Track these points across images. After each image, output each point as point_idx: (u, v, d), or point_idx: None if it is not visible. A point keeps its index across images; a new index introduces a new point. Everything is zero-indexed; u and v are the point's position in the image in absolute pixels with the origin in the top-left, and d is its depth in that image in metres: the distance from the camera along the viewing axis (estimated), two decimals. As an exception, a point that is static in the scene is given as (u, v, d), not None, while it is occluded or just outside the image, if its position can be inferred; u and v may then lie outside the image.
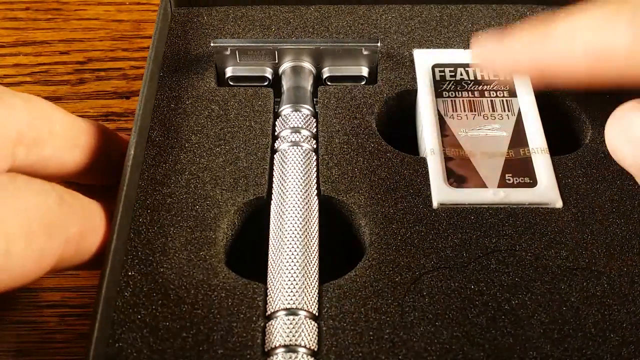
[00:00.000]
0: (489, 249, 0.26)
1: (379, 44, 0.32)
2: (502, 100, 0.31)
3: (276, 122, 0.30)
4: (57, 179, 0.29)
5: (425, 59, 0.32)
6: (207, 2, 0.35)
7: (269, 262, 0.26)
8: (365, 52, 0.32)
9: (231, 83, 0.33)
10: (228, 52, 0.32)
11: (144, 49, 0.38)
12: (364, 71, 0.33)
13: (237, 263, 0.27)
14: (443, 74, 0.32)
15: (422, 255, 0.26)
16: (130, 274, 0.25)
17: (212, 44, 0.32)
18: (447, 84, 0.31)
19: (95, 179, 0.29)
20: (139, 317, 0.24)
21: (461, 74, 0.32)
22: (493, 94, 0.31)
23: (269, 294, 0.25)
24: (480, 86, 0.31)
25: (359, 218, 0.27)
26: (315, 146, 0.29)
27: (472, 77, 0.32)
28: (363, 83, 0.33)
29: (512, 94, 0.31)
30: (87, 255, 0.24)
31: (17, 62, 0.37)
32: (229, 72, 0.33)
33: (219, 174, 0.28)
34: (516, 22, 0.35)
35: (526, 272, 0.25)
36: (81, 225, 0.24)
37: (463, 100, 0.31)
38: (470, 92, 0.31)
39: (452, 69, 0.32)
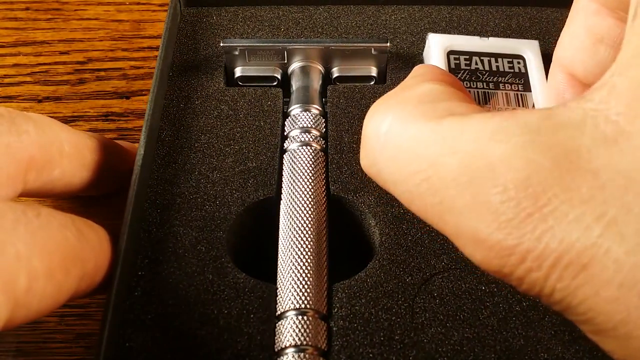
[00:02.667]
0: (499, 250, 0.26)
1: (388, 44, 0.31)
2: (517, 95, 0.30)
3: (285, 122, 0.30)
4: (63, 196, 0.29)
5: (440, 44, 0.31)
6: (217, 2, 0.35)
7: (279, 262, 0.26)
8: (374, 52, 0.32)
9: (240, 83, 0.33)
10: (237, 52, 0.32)
11: (144, 49, 0.38)
12: (373, 71, 0.33)
13: (247, 263, 0.27)
14: (458, 61, 0.31)
15: (432, 256, 0.26)
16: (140, 273, 0.25)
17: (221, 44, 0.31)
18: (461, 73, 0.31)
19: (99, 191, 0.29)
20: (149, 317, 0.24)
21: (476, 63, 0.31)
22: (508, 86, 0.30)
23: (279, 294, 0.25)
24: (495, 77, 0.30)
25: (369, 218, 0.27)
26: (324, 146, 0.29)
27: (487, 67, 0.31)
28: (372, 83, 0.33)
29: (527, 87, 0.30)
30: (97, 287, 0.24)
31: (17, 62, 0.37)
32: (238, 72, 0.33)
33: (229, 174, 0.28)
34: (525, 24, 0.35)
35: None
36: (97, 260, 0.24)
37: (477, 92, 0.30)
38: (485, 84, 0.30)
39: (467, 57, 0.31)
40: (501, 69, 0.31)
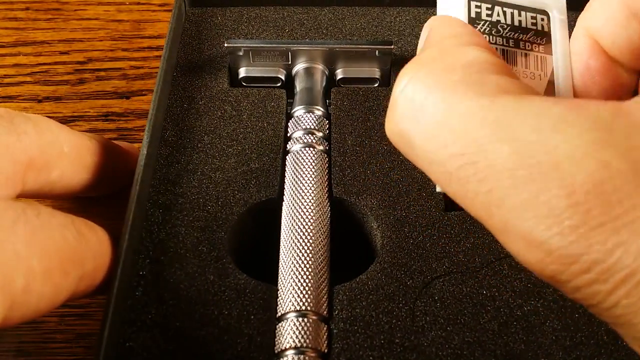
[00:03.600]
0: (501, 254, 0.26)
1: (392, 46, 0.31)
2: (537, 57, 0.27)
3: (289, 124, 0.30)
4: (62, 197, 0.29)
5: None
6: (222, 2, 0.36)
7: (280, 263, 0.26)
8: (378, 54, 0.32)
9: (244, 84, 0.33)
10: (241, 53, 0.32)
11: (143, 49, 0.38)
12: (377, 73, 0.33)
13: (248, 264, 0.27)
14: (479, 10, 0.26)
15: (433, 260, 0.26)
16: (141, 273, 0.25)
17: (225, 44, 0.32)
18: (482, 24, 0.28)
19: (98, 192, 0.29)
20: (150, 317, 0.24)
21: (498, 15, 0.28)
22: (528, 46, 0.27)
23: (279, 295, 0.25)
24: (517, 34, 0.28)
25: (370, 221, 0.27)
26: (327, 148, 0.29)
27: (509, 21, 0.28)
28: (376, 85, 0.33)
29: (548, 50, 0.28)
30: (96, 288, 0.24)
31: (17, 62, 0.37)
32: (242, 72, 0.33)
33: (231, 174, 0.28)
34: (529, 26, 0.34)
35: (538, 278, 0.25)
36: (96, 261, 0.24)
37: (497, 48, 0.27)
38: (505, 40, 0.27)
39: (489, 5, 0.28)
40: (523, 24, 0.27)
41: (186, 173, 0.28)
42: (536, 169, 0.14)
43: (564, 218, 0.13)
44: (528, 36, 0.26)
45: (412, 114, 0.17)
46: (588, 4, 0.23)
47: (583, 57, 0.23)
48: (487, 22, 0.27)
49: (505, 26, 0.26)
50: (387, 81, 0.33)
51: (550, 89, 0.26)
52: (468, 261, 0.26)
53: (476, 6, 0.27)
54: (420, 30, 0.34)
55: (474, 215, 0.16)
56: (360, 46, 0.32)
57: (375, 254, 0.27)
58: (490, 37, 0.26)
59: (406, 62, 0.34)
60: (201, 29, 0.35)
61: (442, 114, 0.16)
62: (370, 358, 0.23)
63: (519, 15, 0.27)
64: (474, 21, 0.26)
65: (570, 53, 0.25)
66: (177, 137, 0.30)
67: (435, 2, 0.35)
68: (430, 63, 0.18)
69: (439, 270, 0.25)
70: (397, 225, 0.27)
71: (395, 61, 0.33)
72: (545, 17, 0.27)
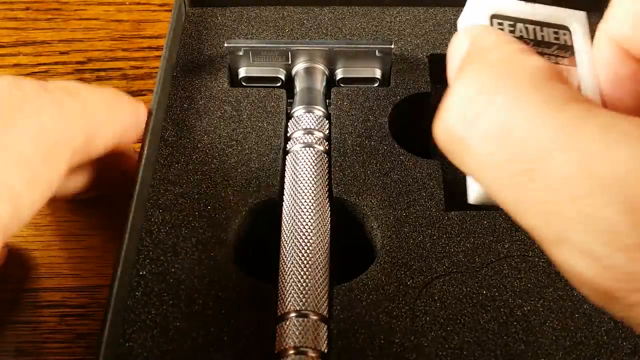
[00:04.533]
0: (501, 254, 0.26)
1: (392, 46, 0.31)
2: (562, 69, 0.28)
3: (289, 124, 0.30)
4: (58, 199, 0.29)
5: (485, 5, 0.27)
6: (221, 2, 0.35)
7: (280, 263, 0.26)
8: (378, 54, 0.32)
9: (244, 84, 0.33)
10: (241, 53, 0.32)
11: (143, 49, 0.38)
12: (377, 73, 0.33)
13: (248, 264, 0.27)
14: (502, 27, 0.27)
15: (434, 260, 0.26)
16: (141, 273, 0.25)
17: (225, 44, 0.31)
18: None
19: (95, 193, 0.29)
20: (150, 317, 0.24)
21: (521, 31, 0.28)
22: (553, 59, 0.27)
23: (279, 295, 0.25)
24: (540, 48, 0.28)
25: (371, 221, 0.27)
26: (327, 148, 0.29)
27: (532, 36, 0.28)
28: (376, 85, 0.33)
29: (572, 62, 0.28)
30: (100, 152, 0.24)
31: (17, 62, 0.37)
32: (242, 72, 0.33)
33: (231, 174, 0.28)
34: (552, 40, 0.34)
35: (539, 278, 0.25)
36: (87, 129, 0.23)
37: None
38: None
39: (511, 22, 0.28)
40: (546, 39, 0.27)
41: (186, 173, 0.28)
42: (597, 182, 0.14)
43: (625, 236, 0.13)
44: (552, 50, 0.26)
45: (471, 115, 0.16)
46: (608, 10, 0.22)
47: (611, 65, 0.22)
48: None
49: (529, 41, 0.26)
50: (388, 81, 0.33)
51: None
52: (468, 261, 0.26)
53: (499, 23, 0.27)
54: (420, 30, 0.34)
55: (522, 225, 0.15)
56: (360, 46, 0.32)
57: (375, 254, 0.27)
58: None
59: (406, 62, 0.34)
60: (201, 29, 0.35)
61: (506, 117, 0.16)
62: (371, 358, 0.23)
63: (541, 30, 0.27)
64: None
65: (596, 62, 0.24)
66: (177, 137, 0.30)
67: (436, 3, 0.35)
68: (495, 66, 0.17)
69: (439, 270, 0.25)
70: (397, 225, 0.27)
71: (395, 61, 0.33)
72: (567, 32, 0.27)
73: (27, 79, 0.23)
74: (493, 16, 0.26)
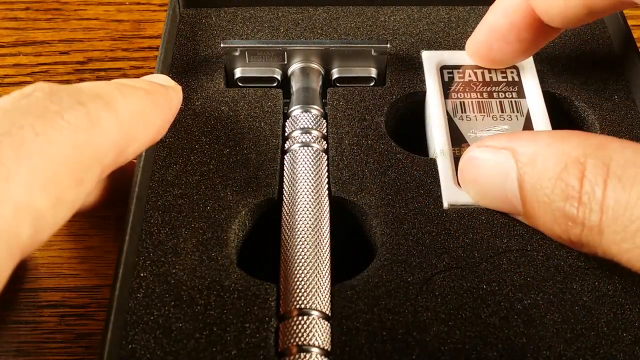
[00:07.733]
0: (500, 249, 0.26)
1: (388, 45, 0.32)
2: (511, 102, 0.31)
3: (286, 123, 0.30)
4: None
5: (433, 60, 0.32)
6: (216, 2, 0.36)
7: (281, 262, 0.26)
8: (374, 54, 0.32)
9: (240, 84, 0.33)
10: (237, 53, 0.32)
11: (143, 49, 0.38)
12: (373, 72, 0.33)
13: (249, 264, 0.27)
14: (451, 75, 0.32)
15: (433, 256, 0.26)
16: (142, 275, 0.25)
17: (221, 45, 0.32)
18: (455, 85, 0.31)
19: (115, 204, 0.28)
20: (152, 318, 0.24)
21: (469, 75, 0.32)
22: (502, 95, 0.31)
23: (281, 294, 0.25)
24: (489, 87, 0.31)
25: (370, 219, 0.27)
26: (325, 147, 0.30)
27: (480, 79, 0.32)
28: (372, 84, 0.33)
29: (521, 94, 0.31)
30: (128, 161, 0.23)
31: (17, 62, 0.37)
32: (238, 73, 0.33)
33: (230, 175, 0.28)
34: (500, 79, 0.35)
35: (538, 271, 0.25)
36: (120, 144, 0.22)
37: (472, 102, 0.31)
38: (478, 94, 0.31)
39: (460, 70, 0.32)
40: (494, 79, 0.32)
41: (184, 174, 0.28)
42: None
43: None
44: (500, 87, 0.31)
45: (596, 199, 0.21)
46: None
47: (514, 15, 0.28)
48: (460, 83, 0.32)
49: (478, 83, 0.30)
50: (383, 80, 0.33)
51: (528, 125, 0.30)
52: (467, 257, 0.26)
53: (448, 72, 0.32)
54: (414, 29, 0.35)
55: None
56: (355, 45, 0.32)
57: (375, 251, 0.27)
58: (465, 93, 0.31)
59: (401, 61, 0.35)
60: (196, 29, 0.35)
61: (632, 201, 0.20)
62: (374, 354, 0.23)
63: (489, 72, 0.32)
64: (447, 85, 0.30)
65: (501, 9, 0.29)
66: (175, 139, 0.30)
67: (429, 2, 0.36)
68: (607, 150, 0.22)
69: (439, 266, 0.26)
70: (396, 223, 0.27)
71: (390, 60, 0.33)
72: (515, 70, 0.31)
73: (63, 87, 0.21)
74: (443, 67, 0.31)
